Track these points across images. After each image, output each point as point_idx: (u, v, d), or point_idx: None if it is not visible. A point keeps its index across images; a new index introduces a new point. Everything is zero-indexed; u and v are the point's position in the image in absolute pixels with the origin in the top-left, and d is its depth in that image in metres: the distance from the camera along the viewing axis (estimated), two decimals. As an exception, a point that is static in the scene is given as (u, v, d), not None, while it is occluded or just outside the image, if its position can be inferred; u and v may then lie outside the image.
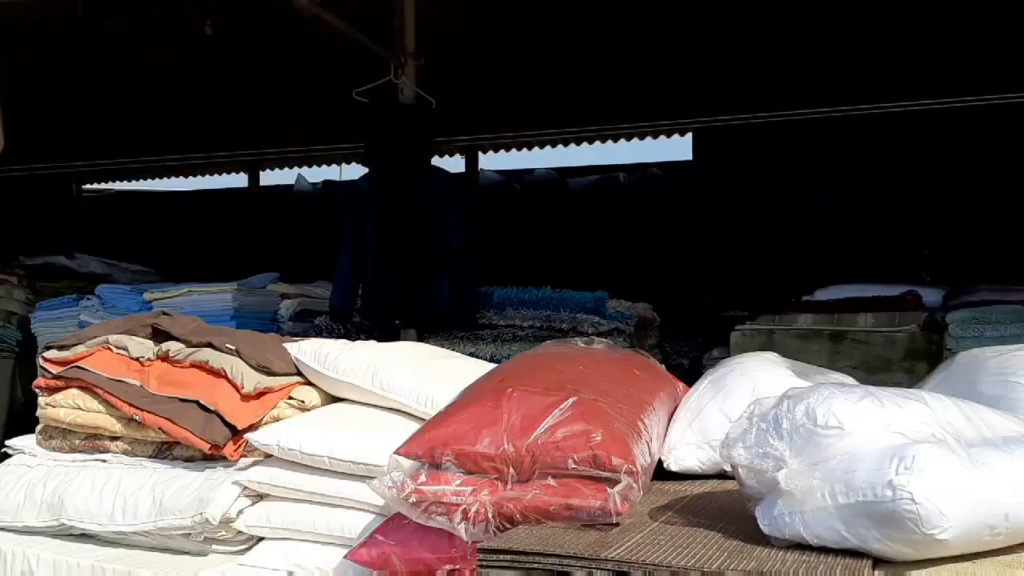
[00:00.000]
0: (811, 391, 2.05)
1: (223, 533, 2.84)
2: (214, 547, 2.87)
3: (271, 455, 2.82)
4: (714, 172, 7.27)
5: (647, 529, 2.15)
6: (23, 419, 4.14)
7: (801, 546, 1.95)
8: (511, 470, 2.26)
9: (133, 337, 3.27)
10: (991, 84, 5.50)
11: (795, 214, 6.94)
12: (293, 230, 8.07)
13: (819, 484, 1.93)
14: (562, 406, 2.32)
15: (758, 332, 5.04)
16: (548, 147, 8.21)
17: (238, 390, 3.00)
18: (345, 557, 2.50)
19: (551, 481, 2.23)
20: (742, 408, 2.21)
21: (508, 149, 8.27)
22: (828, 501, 1.91)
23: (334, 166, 9.16)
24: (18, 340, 6.30)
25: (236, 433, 2.92)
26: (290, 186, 8.77)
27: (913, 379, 4.22)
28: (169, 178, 9.68)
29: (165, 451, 3.07)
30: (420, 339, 4.88)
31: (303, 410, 3.03)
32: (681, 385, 3.14)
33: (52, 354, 3.32)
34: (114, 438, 3.14)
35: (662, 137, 7.74)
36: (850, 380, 2.86)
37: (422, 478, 2.28)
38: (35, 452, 3.26)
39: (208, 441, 2.92)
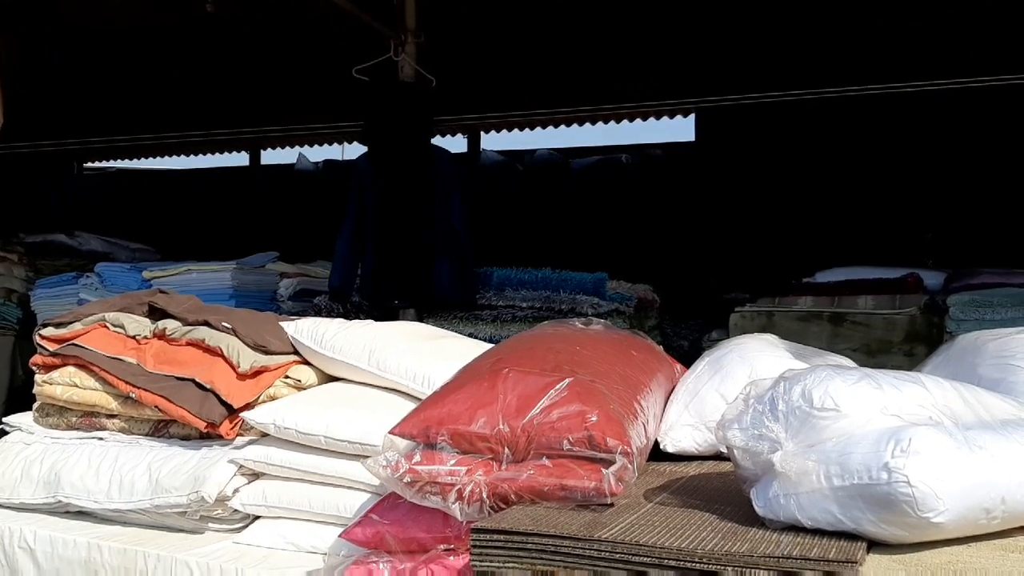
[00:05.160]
0: (807, 373, 2.03)
1: (219, 511, 2.84)
2: (210, 525, 2.88)
3: (267, 434, 2.82)
4: (716, 153, 7.24)
5: (642, 510, 2.15)
6: (23, 396, 4.14)
7: (796, 528, 1.94)
8: (506, 450, 2.25)
9: (130, 315, 3.27)
10: (995, 65, 5.47)
11: (797, 196, 6.91)
12: (294, 209, 8.04)
13: (814, 466, 1.91)
14: (558, 386, 2.31)
15: (758, 314, 5.04)
16: (550, 127, 8.18)
17: (234, 369, 2.99)
18: (340, 536, 2.50)
19: (546, 461, 2.22)
20: (739, 390, 2.20)
21: (510, 129, 8.24)
22: (823, 483, 1.90)
23: (336, 145, 9.15)
24: (18, 318, 6.31)
25: (232, 412, 2.92)
26: (291, 165, 8.74)
27: (913, 362, 4.21)
28: (170, 156, 9.67)
29: (161, 429, 3.08)
30: (419, 319, 4.89)
31: (299, 389, 3.02)
32: (679, 366, 3.13)
33: (49, 331, 3.31)
34: (111, 416, 3.15)
35: (665, 118, 7.71)
36: (849, 362, 2.85)
37: (417, 458, 2.27)
38: (32, 429, 3.28)
39: (204, 419, 2.91)
